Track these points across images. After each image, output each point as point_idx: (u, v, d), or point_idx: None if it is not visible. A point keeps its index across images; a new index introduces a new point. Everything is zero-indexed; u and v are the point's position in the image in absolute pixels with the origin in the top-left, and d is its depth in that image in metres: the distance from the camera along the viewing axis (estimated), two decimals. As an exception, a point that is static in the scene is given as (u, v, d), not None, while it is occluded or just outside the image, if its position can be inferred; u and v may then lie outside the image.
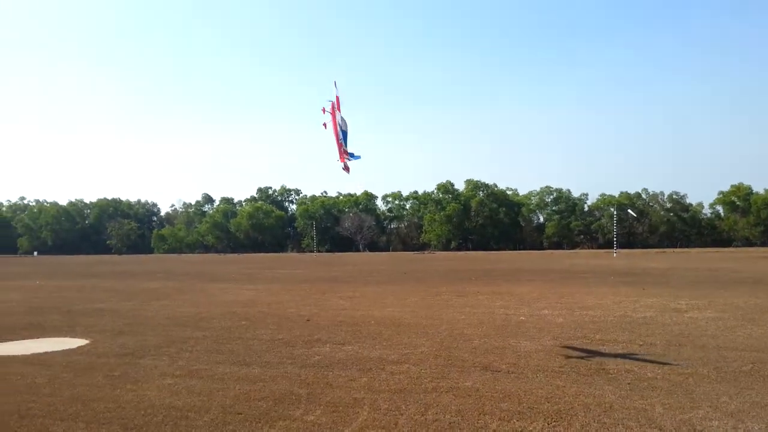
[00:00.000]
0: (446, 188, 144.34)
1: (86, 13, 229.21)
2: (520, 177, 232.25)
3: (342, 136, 13.25)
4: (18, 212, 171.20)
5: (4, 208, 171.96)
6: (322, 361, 11.03)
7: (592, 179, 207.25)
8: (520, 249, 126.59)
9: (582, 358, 10.95)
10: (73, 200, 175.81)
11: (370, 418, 7.67)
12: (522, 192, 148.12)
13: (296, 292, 26.04)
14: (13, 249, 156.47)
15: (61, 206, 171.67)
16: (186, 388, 9.24)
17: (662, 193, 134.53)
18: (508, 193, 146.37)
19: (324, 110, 13.10)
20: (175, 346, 12.80)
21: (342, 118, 13.24)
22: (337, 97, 13.14)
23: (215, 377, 9.88)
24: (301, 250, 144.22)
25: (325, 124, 13.13)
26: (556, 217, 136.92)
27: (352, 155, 13.42)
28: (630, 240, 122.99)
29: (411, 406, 8.13)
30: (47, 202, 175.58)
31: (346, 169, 13.34)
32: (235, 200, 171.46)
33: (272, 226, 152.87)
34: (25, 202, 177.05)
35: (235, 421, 7.62)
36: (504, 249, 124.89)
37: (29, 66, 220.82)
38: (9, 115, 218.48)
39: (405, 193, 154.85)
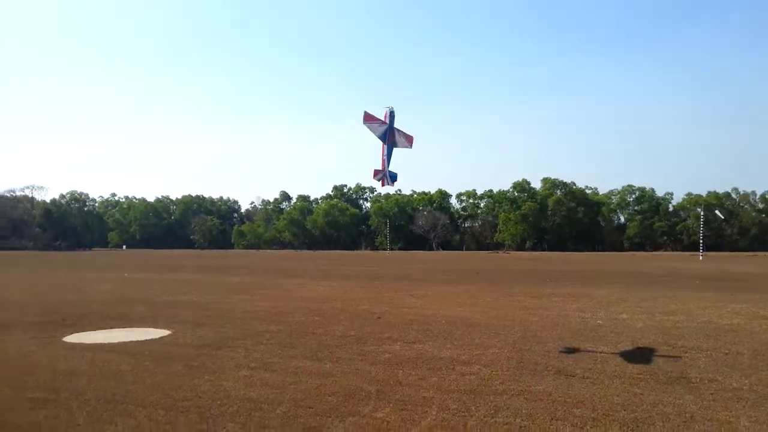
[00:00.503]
0: (522, 187, 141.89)
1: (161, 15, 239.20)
2: (600, 175, 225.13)
3: (388, 154, 13.96)
4: (110, 208, 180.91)
5: (96, 204, 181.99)
6: (392, 358, 11.09)
7: (678, 178, 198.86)
8: (598, 250, 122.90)
9: (662, 365, 10.52)
10: (160, 197, 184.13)
11: (438, 417, 7.64)
12: (602, 191, 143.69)
13: (369, 290, 26.29)
14: (105, 243, 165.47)
15: (148, 202, 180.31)
16: (260, 380, 9.50)
17: (754, 193, 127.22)
18: (587, 191, 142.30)
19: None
20: (251, 339, 13.19)
21: (396, 133, 13.84)
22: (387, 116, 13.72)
23: (288, 371, 10.12)
24: (374, 247, 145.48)
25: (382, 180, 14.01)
26: (639, 217, 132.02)
27: (392, 176, 14.12)
28: (717, 242, 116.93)
29: (481, 407, 8.05)
30: (136, 199, 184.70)
31: (383, 182, 13.98)
32: (312, 198, 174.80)
33: (347, 224, 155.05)
34: (116, 198, 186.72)
35: (306, 414, 7.78)
36: (582, 250, 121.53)
37: (120, 65, 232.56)
38: (103, 116, 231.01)
39: (480, 192, 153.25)
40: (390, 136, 13.86)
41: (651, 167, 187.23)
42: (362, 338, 13.31)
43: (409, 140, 14.25)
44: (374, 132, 14.55)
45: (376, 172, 14.47)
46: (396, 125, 13.86)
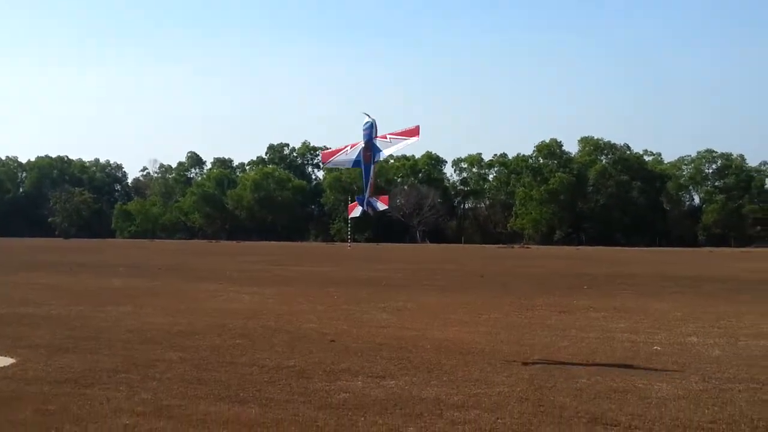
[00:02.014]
0: (550, 150, 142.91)
1: None
2: (666, 136, 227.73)
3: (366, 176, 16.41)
4: None
5: None
6: (350, 400, 11.15)
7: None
8: (661, 245, 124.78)
9: (746, 410, 10.75)
10: (2, 158, 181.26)
11: (416, 486, 7.73)
12: (667, 158, 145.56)
13: (319, 300, 26.35)
14: None
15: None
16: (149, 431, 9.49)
17: None
18: (647, 159, 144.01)
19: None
20: (138, 372, 13.12)
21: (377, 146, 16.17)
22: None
23: (193, 418, 10.10)
24: (329, 238, 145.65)
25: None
26: (721, 197, 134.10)
27: (374, 206, 16.71)
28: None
29: (479, 471, 8.15)
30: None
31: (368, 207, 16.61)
32: (235, 163, 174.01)
33: (288, 203, 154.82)
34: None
35: (219, 482, 7.81)
36: (636, 244, 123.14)
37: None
38: None
39: (487, 157, 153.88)
40: (366, 154, 16.10)
41: (739, 125, 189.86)
42: (306, 371, 13.34)
43: (410, 133, 16.11)
44: (343, 165, 17.56)
45: (352, 208, 17.12)
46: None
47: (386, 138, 16.22)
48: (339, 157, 17.44)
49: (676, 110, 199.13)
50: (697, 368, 13.84)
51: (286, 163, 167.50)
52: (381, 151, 16.29)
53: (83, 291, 29.27)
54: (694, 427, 9.85)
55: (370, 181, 16.53)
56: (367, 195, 16.58)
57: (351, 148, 16.69)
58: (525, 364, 14.15)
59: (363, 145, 16.21)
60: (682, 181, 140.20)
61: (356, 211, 17.00)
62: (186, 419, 10.06)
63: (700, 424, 9.98)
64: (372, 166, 16.46)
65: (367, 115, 16.25)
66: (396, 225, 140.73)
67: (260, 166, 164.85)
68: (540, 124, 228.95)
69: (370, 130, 16.10)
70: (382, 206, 17.11)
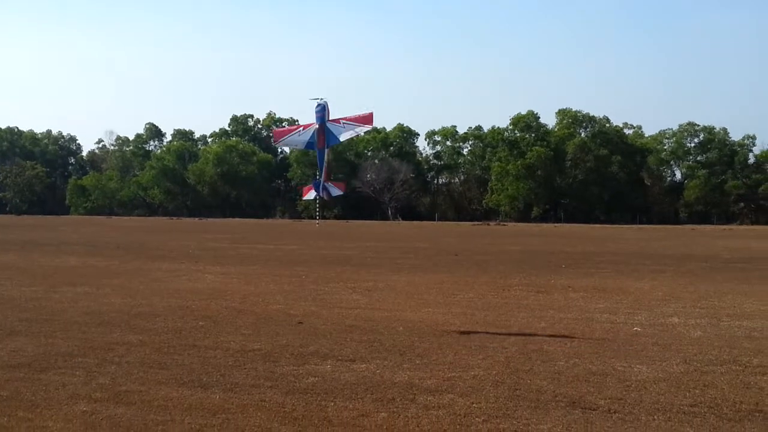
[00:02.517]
0: (527, 122, 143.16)
1: None
2: (646, 108, 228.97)
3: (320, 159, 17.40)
4: None
5: None
6: (318, 384, 11.18)
7: (765, 114, 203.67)
8: (642, 222, 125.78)
9: (728, 392, 10.89)
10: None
11: (387, 473, 7.77)
12: (648, 132, 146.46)
13: (285, 280, 26.37)
14: None
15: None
16: (108, 418, 9.45)
17: None
18: (627, 132, 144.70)
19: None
20: (95, 355, 13.08)
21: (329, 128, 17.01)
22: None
23: (154, 404, 10.09)
24: (296, 215, 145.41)
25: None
26: (703, 172, 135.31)
27: (331, 191, 17.85)
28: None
29: (453, 457, 8.20)
30: None
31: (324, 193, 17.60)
32: (197, 135, 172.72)
33: (253, 177, 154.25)
34: None
35: (181, 470, 7.81)
36: (616, 222, 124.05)
37: None
38: None
39: (462, 130, 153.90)
40: (320, 137, 16.88)
41: (722, 97, 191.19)
42: (272, 354, 13.36)
43: (363, 120, 17.09)
44: (295, 145, 19.39)
45: (306, 191, 18.25)
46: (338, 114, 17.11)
47: (340, 123, 17.00)
48: (291, 137, 18.46)
49: (656, 81, 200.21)
50: (678, 350, 14.00)
51: (251, 136, 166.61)
52: (337, 137, 17.06)
53: (37, 270, 29.07)
54: (674, 411, 9.96)
55: (324, 165, 17.32)
56: (322, 179, 17.33)
57: (304, 129, 17.51)
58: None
59: (317, 127, 16.92)
60: (663, 155, 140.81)
61: (310, 194, 17.92)
62: (146, 405, 10.04)
63: (681, 408, 10.10)
64: (326, 151, 17.28)
65: (318, 99, 17.01)
66: (366, 201, 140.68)
67: (223, 138, 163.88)
68: (516, 95, 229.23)
69: (323, 113, 16.86)
70: (337, 191, 18.22)
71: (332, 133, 16.89)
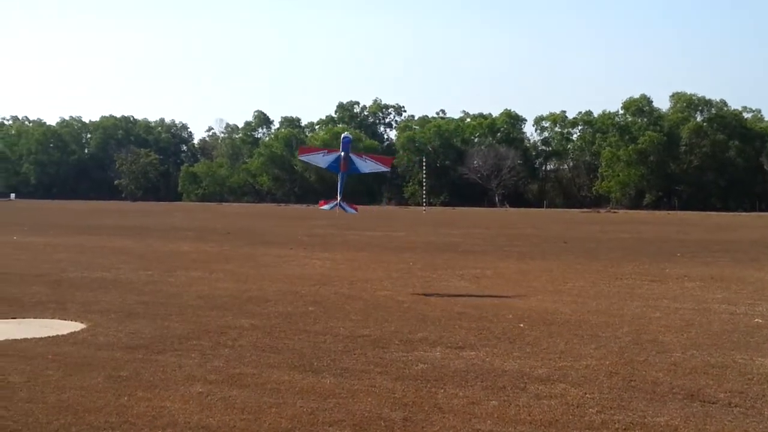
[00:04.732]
0: (639, 107, 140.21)
1: None
2: (766, 91, 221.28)
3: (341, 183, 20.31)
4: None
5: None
6: (428, 371, 11.21)
7: None
8: (761, 209, 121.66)
9: None
10: (67, 118, 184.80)
11: (499, 461, 7.75)
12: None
13: (393, 266, 26.48)
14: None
15: (49, 127, 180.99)
16: (223, 400, 9.66)
17: None
18: (746, 116, 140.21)
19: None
20: (209, 338, 13.38)
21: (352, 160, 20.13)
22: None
23: (267, 387, 10.27)
24: (403, 201, 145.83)
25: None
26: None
27: (345, 209, 21.15)
28: None
29: (566, 447, 8.13)
30: (29, 121, 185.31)
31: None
32: (304, 122, 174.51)
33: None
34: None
35: (294, 453, 7.94)
36: (734, 209, 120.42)
37: None
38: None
39: (571, 114, 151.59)
40: (344, 163, 19.58)
41: None
42: (381, 340, 13.44)
43: (383, 161, 21.91)
44: (317, 164, 21.59)
45: (321, 204, 21.96)
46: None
47: (362, 157, 20.69)
48: (316, 156, 22.14)
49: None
50: (802, 342, 13.57)
51: (357, 122, 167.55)
52: (358, 168, 20.24)
53: (152, 255, 29.88)
54: (798, 405, 9.67)
55: (341, 187, 20.19)
56: (339, 200, 20.39)
57: (328, 152, 20.85)
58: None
59: (341, 155, 19.62)
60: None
61: (326, 206, 21.51)
62: (260, 388, 10.22)
63: (805, 402, 9.79)
64: (346, 176, 20.03)
65: (346, 133, 20.59)
66: (473, 188, 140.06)
67: (330, 125, 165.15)
68: (627, 79, 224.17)
69: (348, 145, 19.83)
70: (351, 211, 21.63)
71: (355, 164, 19.86)
